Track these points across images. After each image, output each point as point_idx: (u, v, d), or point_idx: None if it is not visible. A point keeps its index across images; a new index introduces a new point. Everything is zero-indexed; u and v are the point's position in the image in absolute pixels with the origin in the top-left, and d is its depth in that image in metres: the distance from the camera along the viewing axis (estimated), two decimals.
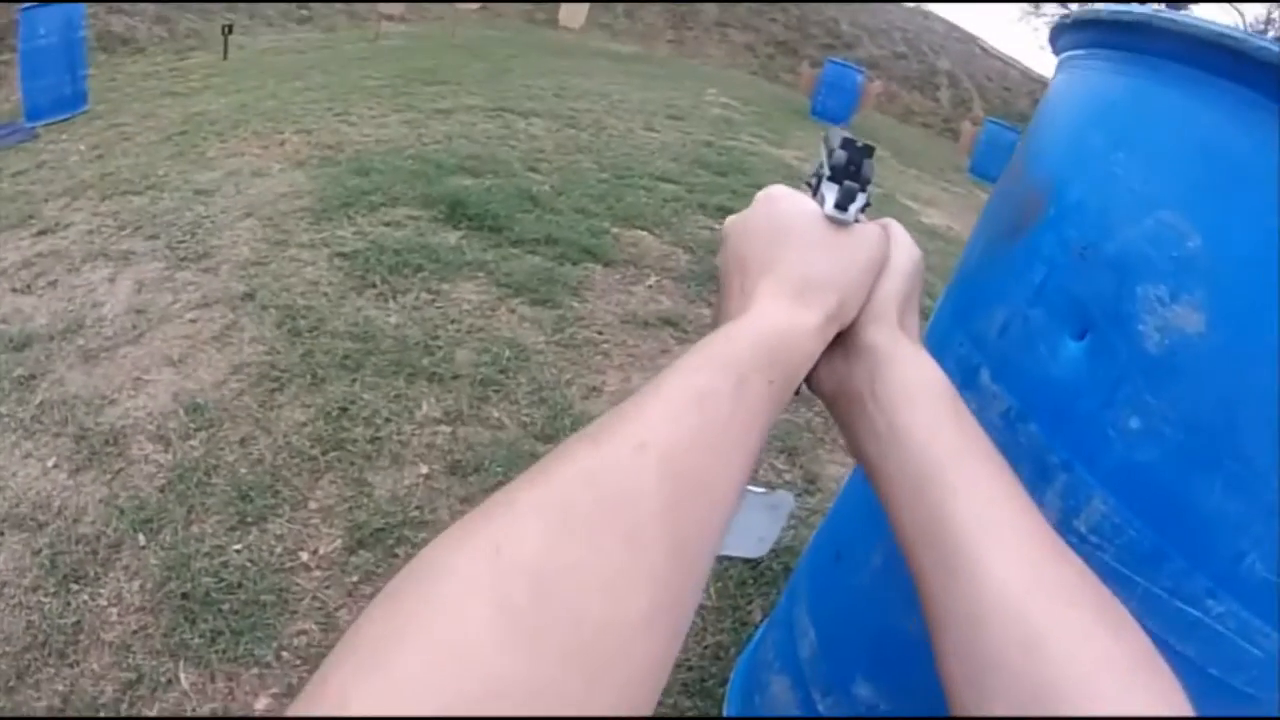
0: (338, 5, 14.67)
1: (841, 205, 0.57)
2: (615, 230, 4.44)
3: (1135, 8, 0.78)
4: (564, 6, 14.49)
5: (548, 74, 9.95)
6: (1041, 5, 31.90)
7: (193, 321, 3.03)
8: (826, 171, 0.61)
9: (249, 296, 3.20)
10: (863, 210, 0.59)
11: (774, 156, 7.82)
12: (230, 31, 10.53)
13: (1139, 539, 0.73)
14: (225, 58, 10.17)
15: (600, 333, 3.33)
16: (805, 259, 0.56)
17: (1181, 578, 0.71)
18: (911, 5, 27.26)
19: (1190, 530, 0.70)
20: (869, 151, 0.61)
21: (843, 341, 0.58)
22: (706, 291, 3.87)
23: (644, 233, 4.51)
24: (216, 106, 6.71)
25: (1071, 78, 0.92)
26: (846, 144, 0.61)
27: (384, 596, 0.33)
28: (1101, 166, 0.78)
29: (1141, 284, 0.71)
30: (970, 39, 25.74)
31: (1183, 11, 0.79)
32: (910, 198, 8.65)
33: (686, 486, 0.40)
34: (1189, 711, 0.42)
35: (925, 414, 0.54)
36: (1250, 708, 0.75)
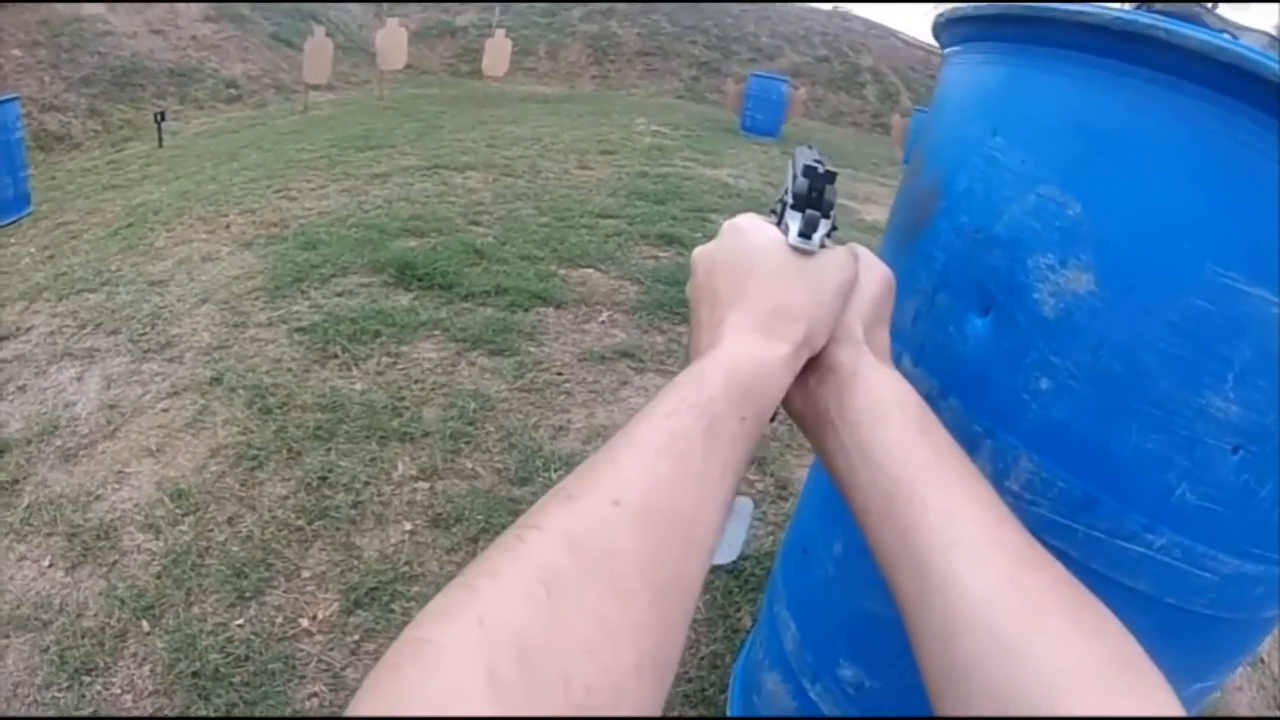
0: (265, 80, 14.68)
1: (805, 234, 0.57)
2: (562, 272, 4.53)
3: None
4: (486, 55, 14.54)
5: (478, 125, 10.02)
6: None
7: (165, 411, 3.09)
8: (789, 199, 0.61)
9: (216, 380, 3.26)
10: (828, 235, 0.59)
11: (709, 177, 7.94)
12: (163, 118, 10.41)
13: (1068, 489, 0.76)
14: (160, 145, 10.09)
15: (560, 373, 3.43)
16: (772, 290, 0.56)
17: (1117, 519, 0.74)
18: (829, 8, 27.59)
19: (1115, 474, 0.73)
20: (831, 177, 0.60)
21: (810, 362, 0.57)
22: (658, 320, 3.99)
23: (590, 270, 4.62)
24: (158, 195, 6.71)
25: (951, 73, 0.95)
26: (808, 171, 0.60)
27: (385, 668, 0.34)
28: (982, 153, 0.81)
29: (1031, 256, 0.75)
30: (890, 33, 25.89)
31: None
32: (848, 197, 8.76)
33: (663, 535, 0.41)
34: (1176, 710, 0.42)
35: (891, 431, 0.54)
36: (1216, 628, 0.80)
